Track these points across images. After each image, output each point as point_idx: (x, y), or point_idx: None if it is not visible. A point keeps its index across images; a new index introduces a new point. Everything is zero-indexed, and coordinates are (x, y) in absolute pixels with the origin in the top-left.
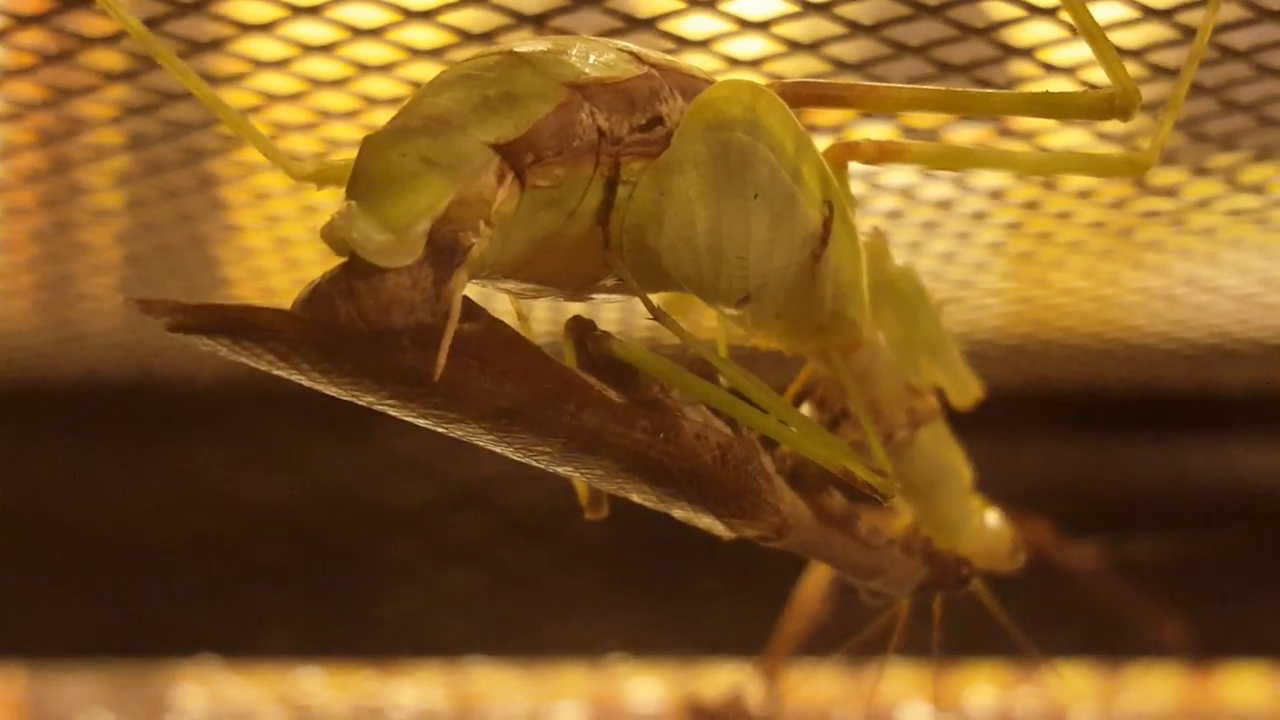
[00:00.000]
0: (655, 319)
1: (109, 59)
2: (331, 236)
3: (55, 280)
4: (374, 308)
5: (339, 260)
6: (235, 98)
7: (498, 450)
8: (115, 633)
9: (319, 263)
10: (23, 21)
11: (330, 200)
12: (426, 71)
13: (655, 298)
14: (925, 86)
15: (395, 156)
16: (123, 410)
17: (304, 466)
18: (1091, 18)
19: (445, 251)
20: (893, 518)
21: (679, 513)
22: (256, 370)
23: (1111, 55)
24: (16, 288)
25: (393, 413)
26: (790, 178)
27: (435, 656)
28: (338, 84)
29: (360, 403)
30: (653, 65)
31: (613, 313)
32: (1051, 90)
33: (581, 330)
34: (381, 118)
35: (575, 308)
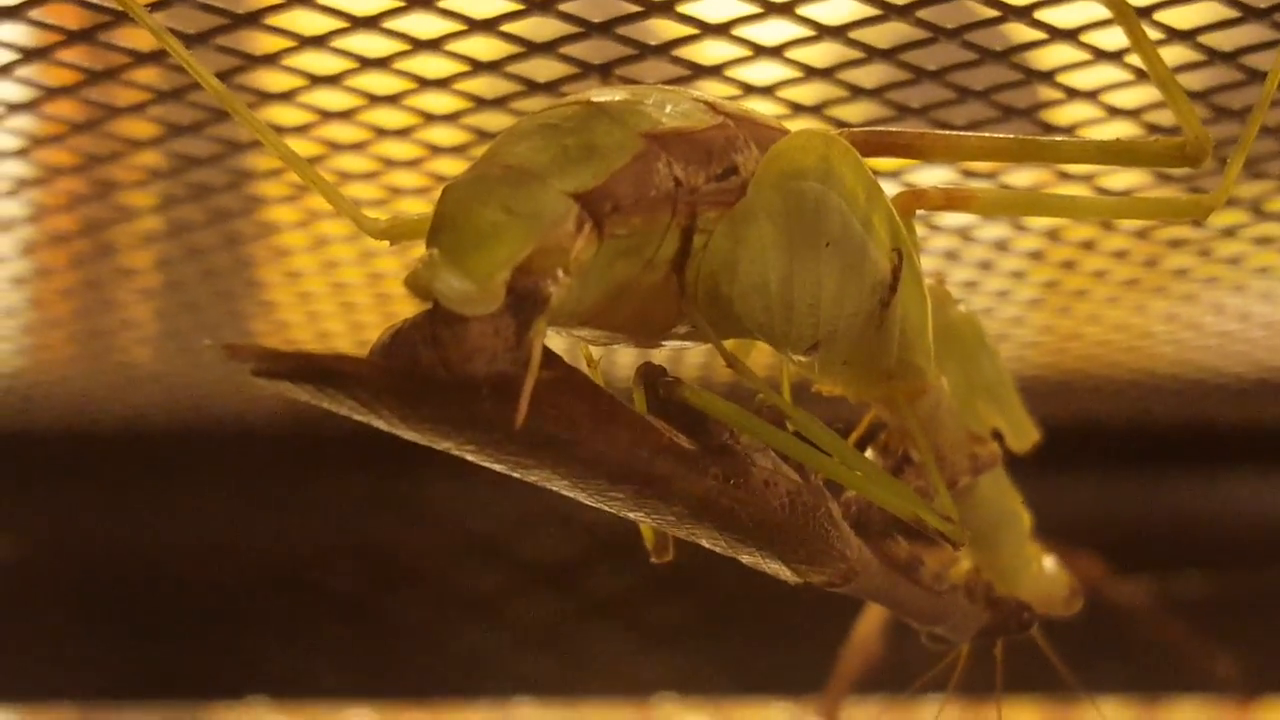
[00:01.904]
0: (730, 366)
1: (175, 112)
2: (415, 285)
3: (107, 326)
4: (457, 355)
5: (396, 302)
6: (300, 147)
7: (571, 495)
8: (165, 675)
9: (373, 306)
10: (72, 37)
11: (389, 248)
12: (491, 121)
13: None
14: (995, 135)
15: (477, 205)
16: (170, 452)
17: (355, 507)
18: (1164, 66)
19: (526, 300)
20: (953, 563)
21: (747, 558)
22: (304, 412)
23: (1184, 103)
24: (70, 335)
25: (469, 458)
26: (861, 226)
27: (484, 697)
28: (402, 133)
29: (437, 448)
30: (728, 115)
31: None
32: (1122, 138)
33: (652, 376)
34: (444, 165)
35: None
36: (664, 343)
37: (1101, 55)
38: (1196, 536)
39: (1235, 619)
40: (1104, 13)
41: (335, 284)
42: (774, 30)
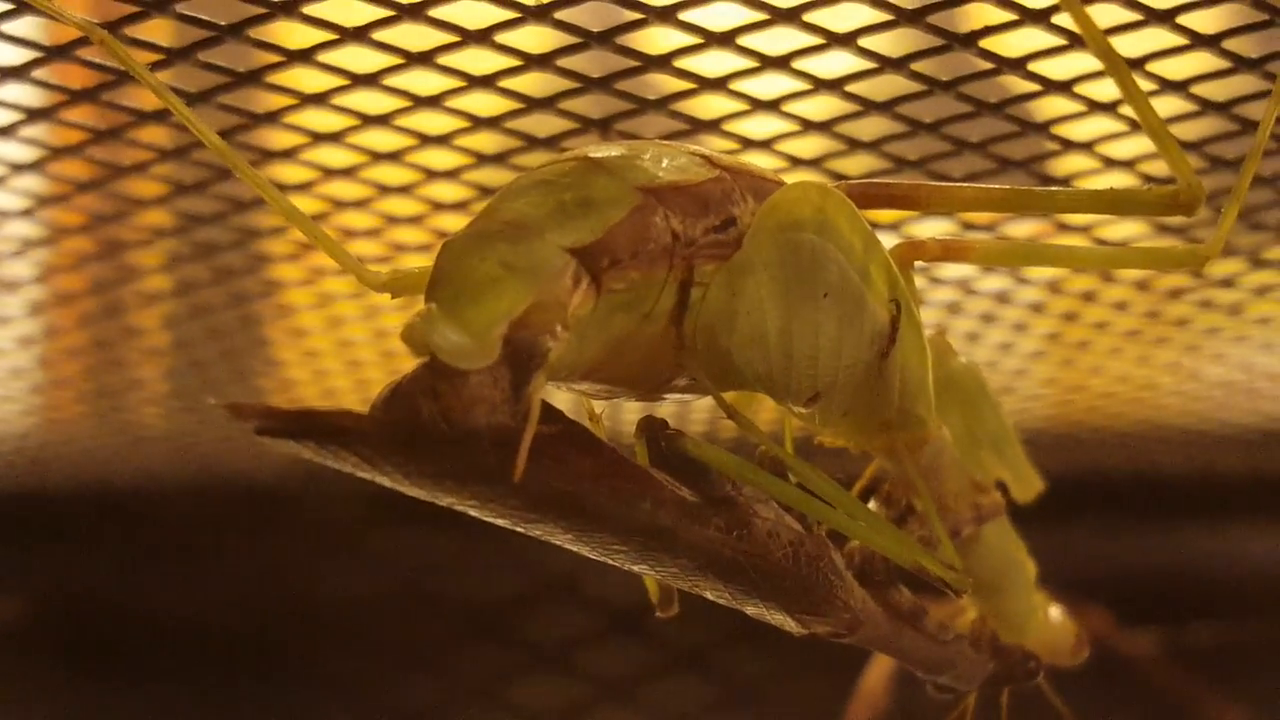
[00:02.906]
0: (730, 418)
1: (180, 171)
2: (411, 338)
3: (115, 385)
4: (457, 407)
5: (401, 359)
6: (303, 204)
7: (574, 548)
8: None
9: (379, 364)
10: (75, 96)
11: (396, 304)
12: (492, 176)
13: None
14: (990, 186)
15: (475, 261)
16: (178, 511)
17: (362, 568)
18: (1156, 115)
19: (523, 354)
20: (958, 613)
21: (751, 609)
22: (313, 470)
23: (1176, 152)
24: (78, 395)
25: (472, 512)
26: (859, 277)
27: None
28: (403, 190)
29: (440, 503)
30: (724, 168)
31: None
32: (1116, 187)
33: (653, 429)
34: (446, 221)
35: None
36: (665, 395)
37: (1096, 106)
38: (1203, 587)
39: (1243, 669)
40: (1098, 64)
41: (341, 341)
42: (771, 84)
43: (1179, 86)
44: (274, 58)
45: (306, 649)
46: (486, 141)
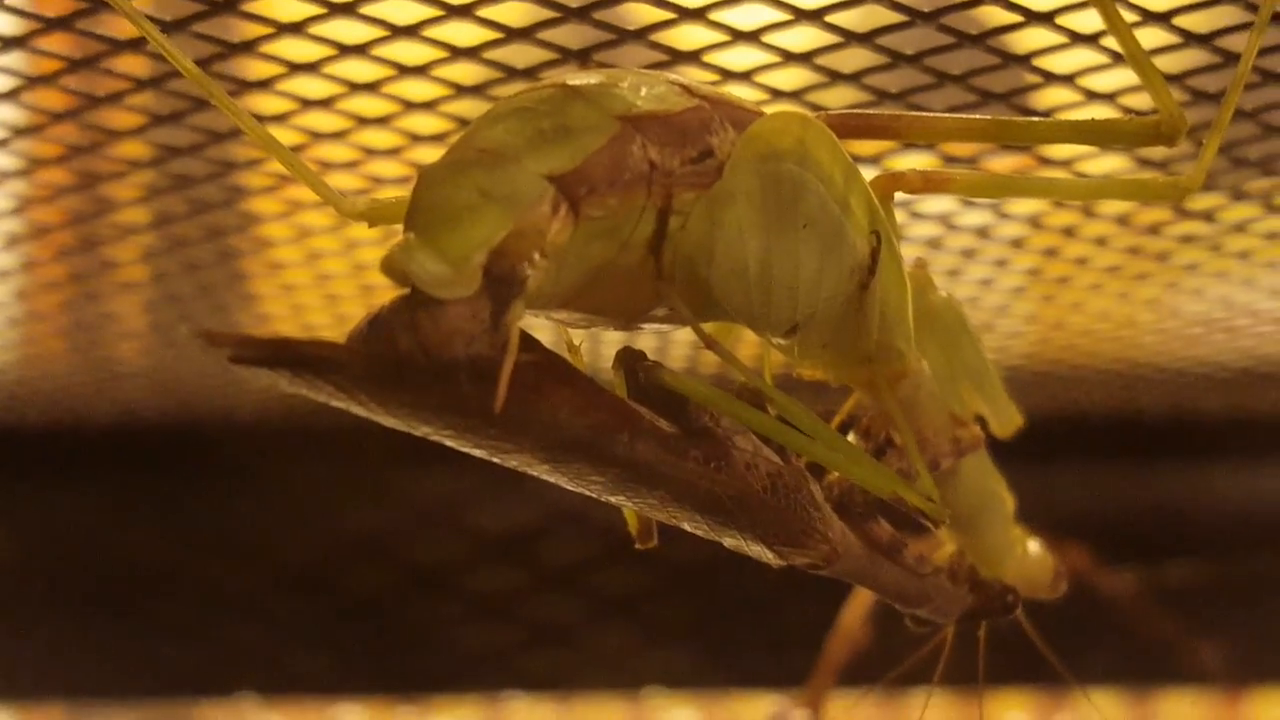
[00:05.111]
0: (708, 348)
1: (157, 101)
2: (390, 268)
3: (92, 319)
4: (435, 338)
5: (379, 293)
6: (280, 135)
7: (551, 479)
8: (153, 671)
9: (357, 298)
10: (50, 25)
11: (374, 236)
12: (471, 107)
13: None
14: (971, 116)
15: (451, 189)
16: (158, 447)
17: (344, 500)
18: (1138, 44)
19: (502, 283)
20: (937, 546)
21: (729, 541)
22: (293, 409)
23: (1158, 81)
24: (56, 328)
25: (449, 443)
26: (839, 208)
27: (473, 693)
28: (382, 121)
29: (416, 433)
30: (703, 98)
31: (651, 342)
32: (1097, 117)
33: (631, 360)
34: (425, 154)
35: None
36: (644, 325)
37: (1078, 38)
38: (1182, 526)
39: (1222, 608)
40: None
41: (319, 275)
42: (751, 15)
43: (1161, 18)
44: None
45: (282, 588)
46: (465, 72)
